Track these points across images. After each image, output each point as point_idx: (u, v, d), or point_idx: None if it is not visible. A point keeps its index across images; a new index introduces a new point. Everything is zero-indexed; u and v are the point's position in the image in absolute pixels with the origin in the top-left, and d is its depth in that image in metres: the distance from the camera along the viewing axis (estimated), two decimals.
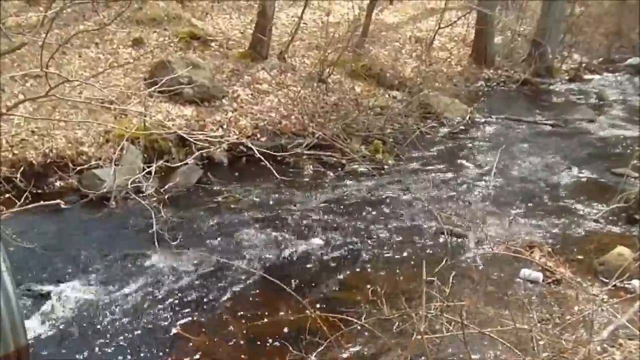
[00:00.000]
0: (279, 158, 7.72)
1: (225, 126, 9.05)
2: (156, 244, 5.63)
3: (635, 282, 5.52)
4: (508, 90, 13.51)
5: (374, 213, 7.13)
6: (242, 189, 7.59)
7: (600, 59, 16.31)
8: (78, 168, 6.59)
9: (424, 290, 3.42)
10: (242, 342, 4.74)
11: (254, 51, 11.03)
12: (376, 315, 4.18)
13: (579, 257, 6.13)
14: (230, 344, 4.73)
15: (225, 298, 5.32)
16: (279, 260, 6.01)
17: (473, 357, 3.65)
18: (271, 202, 7.31)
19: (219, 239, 6.38)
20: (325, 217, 6.98)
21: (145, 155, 7.76)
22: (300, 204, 7.27)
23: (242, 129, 9.07)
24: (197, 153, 6.60)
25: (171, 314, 5.07)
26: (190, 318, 5.04)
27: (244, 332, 4.85)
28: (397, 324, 4.14)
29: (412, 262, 5.97)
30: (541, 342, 3.52)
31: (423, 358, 3.77)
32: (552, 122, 11.18)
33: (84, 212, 6.60)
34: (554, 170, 8.78)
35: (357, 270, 5.90)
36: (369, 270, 5.89)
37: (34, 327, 4.76)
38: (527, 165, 8.93)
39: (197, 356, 4.59)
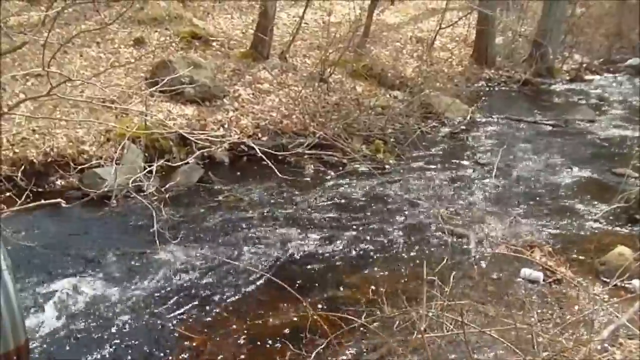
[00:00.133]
0: (280, 157, 7.71)
1: (226, 125, 9.06)
2: (157, 242, 5.64)
3: (635, 281, 5.51)
4: (509, 90, 13.52)
5: (374, 212, 7.13)
6: (243, 188, 7.60)
7: (601, 60, 16.32)
8: (79, 167, 6.62)
9: (425, 290, 3.43)
10: (242, 340, 4.75)
11: (255, 51, 11.05)
12: (377, 315, 4.20)
13: (580, 256, 6.13)
14: (230, 342, 4.73)
15: (226, 297, 5.32)
16: (280, 259, 6.00)
17: (473, 356, 3.65)
18: (272, 201, 7.31)
19: (219, 238, 6.38)
20: (326, 216, 6.98)
21: (146, 155, 7.77)
22: (301, 203, 7.28)
23: (243, 129, 9.08)
24: (198, 152, 6.65)
25: (172, 312, 5.07)
26: (191, 317, 5.04)
27: (245, 330, 4.85)
28: (397, 323, 4.15)
29: (413, 262, 5.97)
30: (541, 342, 3.53)
31: (424, 356, 3.77)
32: (552, 122, 11.18)
33: (85, 211, 6.60)
34: (554, 170, 8.78)
35: (358, 269, 5.89)
36: (369, 269, 5.88)
37: (34, 325, 4.76)
38: (527, 165, 8.93)
39: (198, 355, 4.59)
